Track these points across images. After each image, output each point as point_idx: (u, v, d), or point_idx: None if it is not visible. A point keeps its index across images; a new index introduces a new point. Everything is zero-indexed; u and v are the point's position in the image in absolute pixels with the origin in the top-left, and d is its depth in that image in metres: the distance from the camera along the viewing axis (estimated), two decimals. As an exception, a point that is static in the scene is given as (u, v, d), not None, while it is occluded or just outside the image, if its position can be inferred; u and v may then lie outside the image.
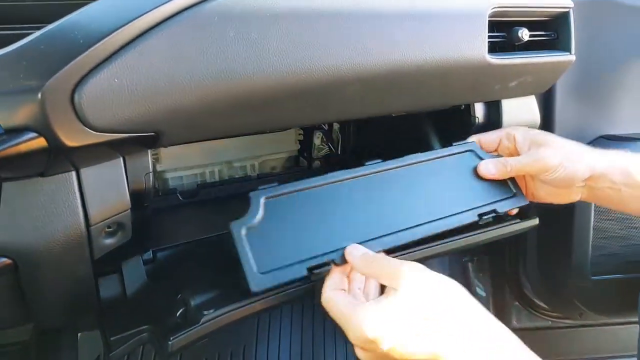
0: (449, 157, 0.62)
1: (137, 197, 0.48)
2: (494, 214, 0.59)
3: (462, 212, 0.58)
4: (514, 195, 0.62)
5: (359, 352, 0.46)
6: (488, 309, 1.05)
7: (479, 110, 0.74)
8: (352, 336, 0.44)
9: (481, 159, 0.62)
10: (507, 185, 0.63)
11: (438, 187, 0.59)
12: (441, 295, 0.44)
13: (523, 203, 0.62)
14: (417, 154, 0.60)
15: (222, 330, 0.51)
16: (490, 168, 0.61)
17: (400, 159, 0.59)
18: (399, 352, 0.42)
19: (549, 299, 1.05)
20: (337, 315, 0.46)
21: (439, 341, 0.42)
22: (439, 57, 0.55)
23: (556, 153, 0.61)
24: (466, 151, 0.63)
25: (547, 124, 0.92)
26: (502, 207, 0.60)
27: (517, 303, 1.11)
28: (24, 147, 0.35)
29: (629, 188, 0.62)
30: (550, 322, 1.10)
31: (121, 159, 0.46)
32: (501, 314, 1.11)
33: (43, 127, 0.35)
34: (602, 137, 0.99)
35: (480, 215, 0.58)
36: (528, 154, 0.62)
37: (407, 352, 0.42)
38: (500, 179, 0.62)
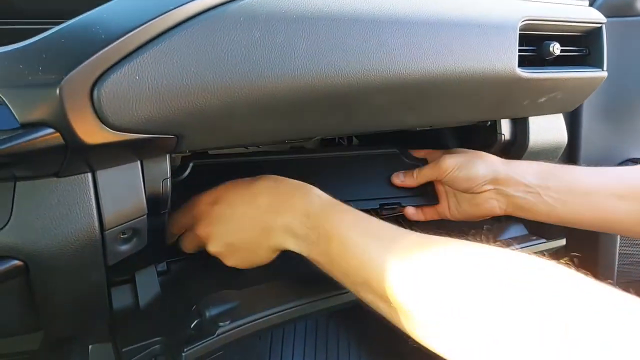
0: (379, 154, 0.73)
1: (154, 203, 0.47)
2: (395, 206, 0.71)
3: (368, 199, 0.68)
4: (422, 195, 0.72)
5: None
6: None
7: (505, 128, 0.73)
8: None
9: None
10: (426, 189, 0.73)
11: (359, 178, 0.70)
12: None
13: (431, 202, 0.73)
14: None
15: (235, 344, 0.49)
16: (400, 176, 0.72)
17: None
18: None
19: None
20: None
21: None
22: (468, 69, 0.53)
23: (457, 157, 0.68)
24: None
25: (573, 144, 0.90)
26: (407, 202, 0.71)
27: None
28: (39, 143, 0.34)
29: (553, 192, 0.62)
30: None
31: (139, 162, 0.45)
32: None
33: (60, 123, 0.34)
34: (630, 160, 0.96)
35: (382, 205, 0.69)
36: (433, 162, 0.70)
37: None
38: (410, 186, 0.71)
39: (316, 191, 0.53)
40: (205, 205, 0.55)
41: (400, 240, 0.45)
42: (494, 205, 0.67)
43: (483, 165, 0.66)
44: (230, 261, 0.55)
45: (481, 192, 0.67)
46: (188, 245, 0.58)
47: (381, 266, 0.43)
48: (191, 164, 0.59)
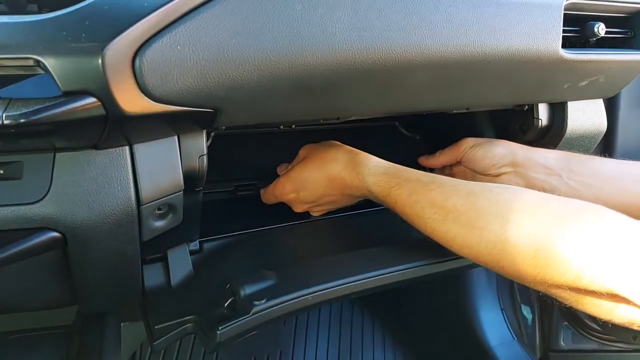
0: None
1: (190, 179, 0.46)
2: None
3: None
4: None
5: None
6: (534, 329, 1.00)
7: (543, 112, 0.70)
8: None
9: None
10: None
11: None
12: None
13: None
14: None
15: (261, 329, 0.48)
16: (424, 158, 0.76)
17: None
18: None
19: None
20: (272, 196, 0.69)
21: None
22: (510, 48, 0.52)
23: (476, 139, 0.69)
24: None
25: (609, 133, 0.87)
26: None
27: (566, 323, 1.05)
28: (81, 112, 0.33)
29: (577, 176, 0.60)
30: (599, 345, 1.03)
31: (176, 137, 0.44)
32: (548, 334, 1.05)
33: (102, 92, 0.33)
34: (667, 148, 0.93)
35: None
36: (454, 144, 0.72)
37: None
38: (433, 166, 0.75)
39: (373, 158, 0.62)
40: (285, 176, 0.67)
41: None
42: None
43: (501, 147, 0.66)
44: (316, 213, 0.70)
45: (500, 174, 0.65)
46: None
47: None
48: (212, 134, 0.59)
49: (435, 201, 0.51)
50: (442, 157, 0.73)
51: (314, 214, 0.70)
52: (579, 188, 0.60)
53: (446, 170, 0.75)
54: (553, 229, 0.42)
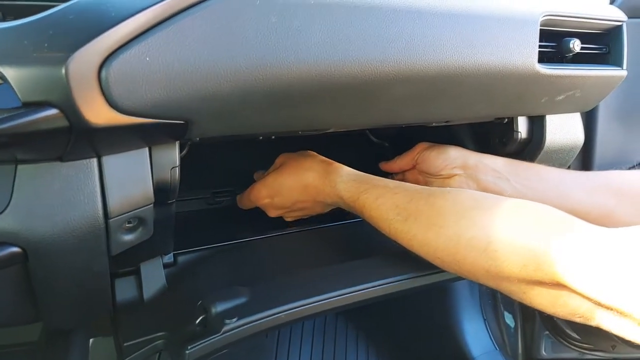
0: None
1: (161, 192, 0.45)
2: None
3: None
4: None
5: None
6: (516, 338, 1.01)
7: (522, 126, 0.71)
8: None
9: None
10: None
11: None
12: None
13: None
14: None
15: (241, 343, 0.47)
16: (382, 164, 0.79)
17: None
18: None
19: (581, 328, 1.00)
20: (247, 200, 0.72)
21: None
22: (487, 62, 0.52)
23: (430, 143, 0.73)
24: None
25: (587, 145, 0.88)
26: None
27: (547, 332, 1.06)
28: (42, 123, 0.32)
29: (523, 179, 0.64)
30: (579, 354, 1.04)
31: (147, 149, 0.43)
32: (530, 343, 1.06)
33: (65, 103, 0.32)
34: (644, 162, 0.95)
35: None
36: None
37: None
38: (392, 171, 0.78)
39: (345, 168, 0.65)
40: (261, 181, 0.69)
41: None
42: None
43: (454, 150, 0.70)
44: (289, 218, 0.72)
45: (452, 175, 0.69)
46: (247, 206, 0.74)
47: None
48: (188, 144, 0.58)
49: (399, 203, 0.54)
50: (399, 162, 0.76)
51: (287, 219, 0.73)
52: (524, 191, 0.64)
53: (399, 175, 0.79)
54: (502, 223, 0.46)
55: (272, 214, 0.71)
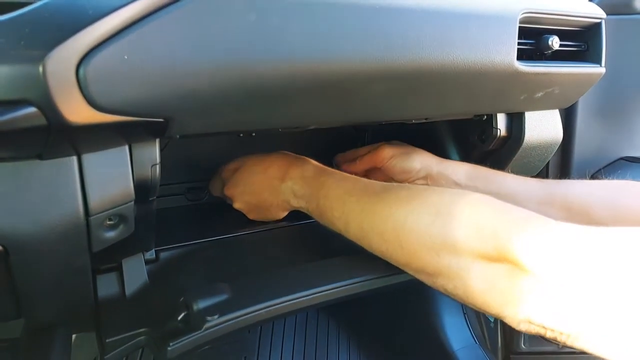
0: None
1: (142, 189, 0.45)
2: None
3: None
4: None
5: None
6: (496, 332, 1.02)
7: (502, 122, 0.72)
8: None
9: None
10: None
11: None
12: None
13: None
14: None
15: (223, 338, 0.48)
16: (343, 162, 0.80)
17: None
18: None
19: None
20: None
21: None
22: (466, 59, 0.52)
23: (394, 149, 0.75)
24: None
25: (566, 142, 0.89)
26: None
27: (526, 327, 1.08)
28: (19, 122, 0.32)
29: (481, 192, 0.63)
30: (557, 347, 1.06)
31: (127, 146, 0.43)
32: (510, 337, 1.07)
33: (43, 102, 0.32)
34: (623, 158, 0.96)
35: None
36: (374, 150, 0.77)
37: None
38: (353, 171, 0.74)
39: (311, 161, 0.68)
40: (229, 171, 0.72)
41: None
42: None
43: (418, 161, 0.72)
44: (251, 215, 0.72)
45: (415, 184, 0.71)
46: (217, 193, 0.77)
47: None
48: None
49: (351, 194, 0.57)
50: (362, 164, 0.77)
51: (250, 217, 0.73)
52: None
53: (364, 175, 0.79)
54: (445, 205, 0.49)
55: (237, 205, 0.72)
